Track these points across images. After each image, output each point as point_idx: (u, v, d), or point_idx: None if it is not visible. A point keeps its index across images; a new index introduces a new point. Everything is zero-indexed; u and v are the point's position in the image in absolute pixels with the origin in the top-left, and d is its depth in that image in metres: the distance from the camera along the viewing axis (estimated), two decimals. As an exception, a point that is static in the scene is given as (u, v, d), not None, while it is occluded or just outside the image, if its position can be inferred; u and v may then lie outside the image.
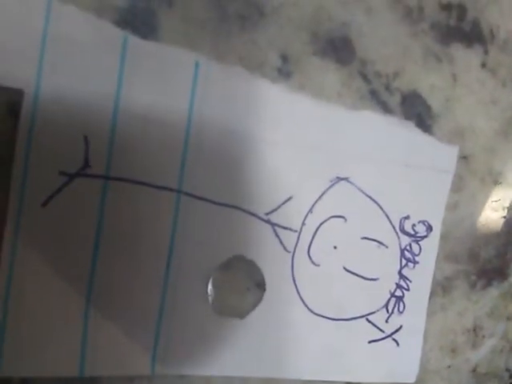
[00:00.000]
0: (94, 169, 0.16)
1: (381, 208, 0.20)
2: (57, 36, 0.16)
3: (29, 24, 0.15)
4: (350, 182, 0.20)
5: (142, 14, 0.17)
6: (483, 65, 0.23)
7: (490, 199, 0.23)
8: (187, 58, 0.17)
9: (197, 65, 0.17)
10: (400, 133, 0.21)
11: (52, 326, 0.16)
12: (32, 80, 0.16)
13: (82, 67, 0.16)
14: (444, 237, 0.22)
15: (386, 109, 0.21)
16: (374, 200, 0.20)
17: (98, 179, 0.16)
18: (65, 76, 0.16)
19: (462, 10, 0.22)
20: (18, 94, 0.16)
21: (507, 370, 0.25)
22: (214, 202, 0.18)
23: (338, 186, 0.20)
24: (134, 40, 0.17)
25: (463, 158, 0.22)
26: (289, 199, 0.19)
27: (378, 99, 0.21)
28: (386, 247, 0.21)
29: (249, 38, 0.19)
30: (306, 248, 0.19)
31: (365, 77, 0.20)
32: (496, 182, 0.23)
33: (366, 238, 0.20)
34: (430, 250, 0.21)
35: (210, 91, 0.18)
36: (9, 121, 0.16)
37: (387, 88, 0.21)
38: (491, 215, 0.23)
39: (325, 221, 0.20)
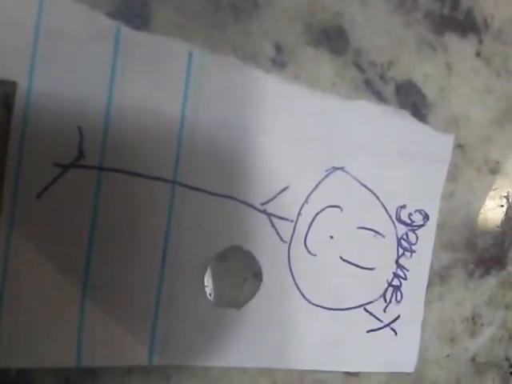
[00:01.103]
0: (88, 160, 0.16)
1: (377, 197, 0.20)
2: (50, 28, 0.16)
3: (21, 16, 0.15)
4: (346, 172, 0.20)
5: (135, 4, 0.17)
6: (477, 54, 0.23)
7: (487, 188, 0.23)
8: (181, 49, 0.17)
9: (190, 55, 0.17)
10: (395, 122, 0.21)
11: (48, 317, 0.16)
12: (25, 72, 0.16)
13: (76, 59, 0.16)
14: (441, 226, 0.22)
15: (380, 98, 0.21)
16: (369, 189, 0.20)
17: (93, 170, 0.16)
18: (58, 68, 0.16)
19: (455, 0, 0.22)
20: (11, 86, 0.16)
21: (507, 359, 0.25)
22: (210, 193, 0.18)
23: (333, 176, 0.20)
24: (127, 31, 0.17)
25: (459, 146, 0.22)
26: (285, 189, 0.19)
27: (372, 89, 0.21)
28: (383, 236, 0.21)
29: (243, 28, 0.19)
30: (303, 238, 0.19)
31: (359, 66, 0.20)
32: (492, 171, 0.23)
33: (362, 227, 0.20)
34: (426, 238, 0.21)
35: (204, 82, 0.18)
36: (2, 113, 0.16)
37: (382, 77, 0.21)
38: (488, 204, 0.23)
39: (321, 211, 0.20)
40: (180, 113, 0.17)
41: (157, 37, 0.17)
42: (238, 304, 0.19)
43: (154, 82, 0.17)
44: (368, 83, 0.21)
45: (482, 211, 0.23)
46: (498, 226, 0.24)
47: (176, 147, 0.17)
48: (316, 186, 0.19)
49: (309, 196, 0.19)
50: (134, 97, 0.17)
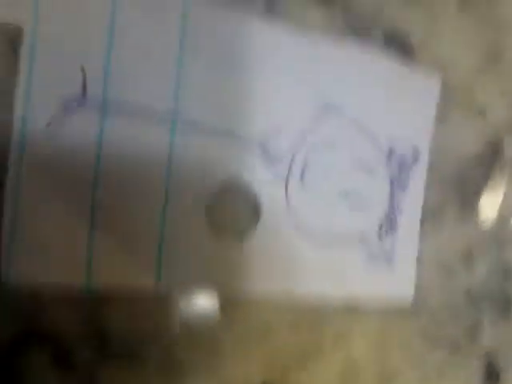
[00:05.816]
0: (91, 100, 0.17)
1: (369, 135, 0.21)
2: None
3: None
4: (339, 110, 0.21)
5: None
6: (460, 2, 0.24)
7: (475, 128, 0.24)
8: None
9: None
10: (383, 63, 0.22)
11: (61, 240, 0.17)
12: (30, 15, 0.17)
13: None
14: (431, 164, 0.23)
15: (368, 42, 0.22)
16: (362, 127, 0.21)
17: (95, 111, 0.17)
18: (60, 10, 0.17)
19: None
20: (18, 30, 0.17)
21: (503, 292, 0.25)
22: (208, 128, 0.19)
23: (326, 114, 0.21)
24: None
25: (446, 87, 0.23)
26: (279, 127, 0.20)
27: (359, 34, 0.22)
28: (375, 173, 0.21)
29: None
30: (299, 175, 0.20)
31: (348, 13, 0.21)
32: (480, 112, 0.24)
33: (355, 164, 0.21)
34: (418, 176, 0.22)
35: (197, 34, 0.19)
36: (10, 58, 0.17)
37: (369, 22, 0.22)
38: (475, 143, 0.24)
39: (314, 148, 0.20)
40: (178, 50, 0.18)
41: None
42: (239, 237, 0.20)
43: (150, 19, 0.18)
44: (355, 30, 0.22)
45: (470, 149, 0.24)
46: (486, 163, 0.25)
47: (175, 83, 0.18)
48: (310, 124, 0.20)
49: (303, 133, 0.20)
50: (134, 34, 0.18)
